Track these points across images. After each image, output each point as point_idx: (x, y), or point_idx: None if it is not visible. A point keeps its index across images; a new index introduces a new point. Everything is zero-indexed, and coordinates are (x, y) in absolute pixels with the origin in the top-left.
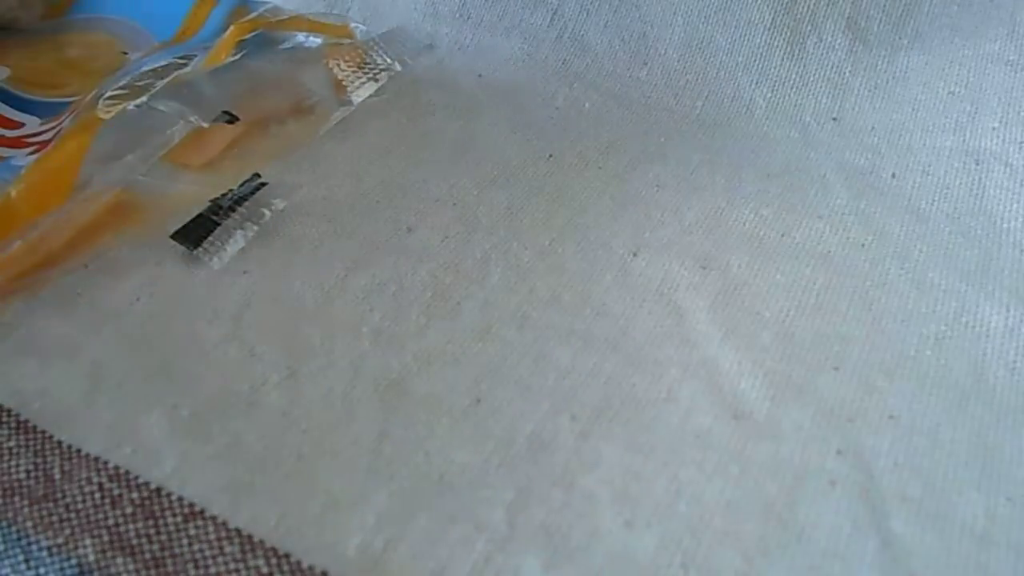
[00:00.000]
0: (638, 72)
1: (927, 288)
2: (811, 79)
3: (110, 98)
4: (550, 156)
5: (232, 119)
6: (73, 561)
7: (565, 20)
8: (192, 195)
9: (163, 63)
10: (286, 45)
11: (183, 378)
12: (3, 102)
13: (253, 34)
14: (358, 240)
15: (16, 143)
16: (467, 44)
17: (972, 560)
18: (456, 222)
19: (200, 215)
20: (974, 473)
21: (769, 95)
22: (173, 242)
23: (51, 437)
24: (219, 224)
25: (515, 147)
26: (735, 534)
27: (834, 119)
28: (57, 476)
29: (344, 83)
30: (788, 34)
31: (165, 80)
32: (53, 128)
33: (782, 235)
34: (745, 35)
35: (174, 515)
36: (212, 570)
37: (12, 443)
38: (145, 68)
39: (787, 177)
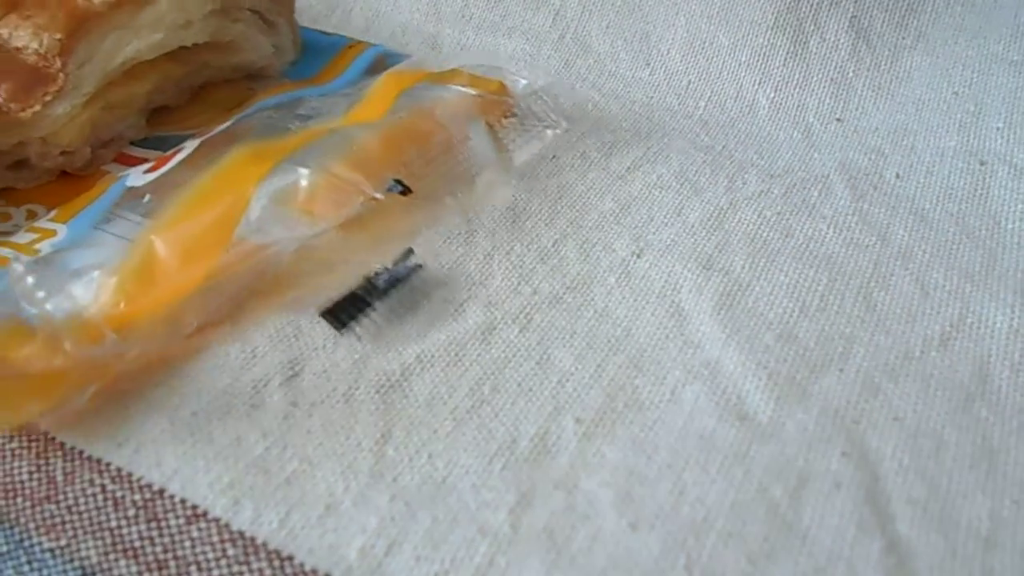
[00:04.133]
0: (640, 73)
1: (931, 289)
2: (814, 79)
3: (260, 142)
4: (553, 157)
5: (405, 190)
6: (75, 563)
7: (567, 21)
8: (339, 264)
9: (302, 99)
10: (434, 96)
11: (185, 379)
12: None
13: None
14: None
15: (132, 162)
16: (469, 45)
17: (977, 562)
18: (459, 223)
19: (353, 293)
20: (979, 475)
21: (772, 95)
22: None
23: (53, 439)
24: (371, 305)
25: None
26: (739, 536)
27: (837, 119)
28: (59, 478)
29: (505, 142)
30: (791, 34)
31: (310, 122)
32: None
33: (785, 236)
34: (748, 35)
35: (176, 517)
36: (214, 572)
37: (14, 445)
38: (281, 102)
39: (790, 178)
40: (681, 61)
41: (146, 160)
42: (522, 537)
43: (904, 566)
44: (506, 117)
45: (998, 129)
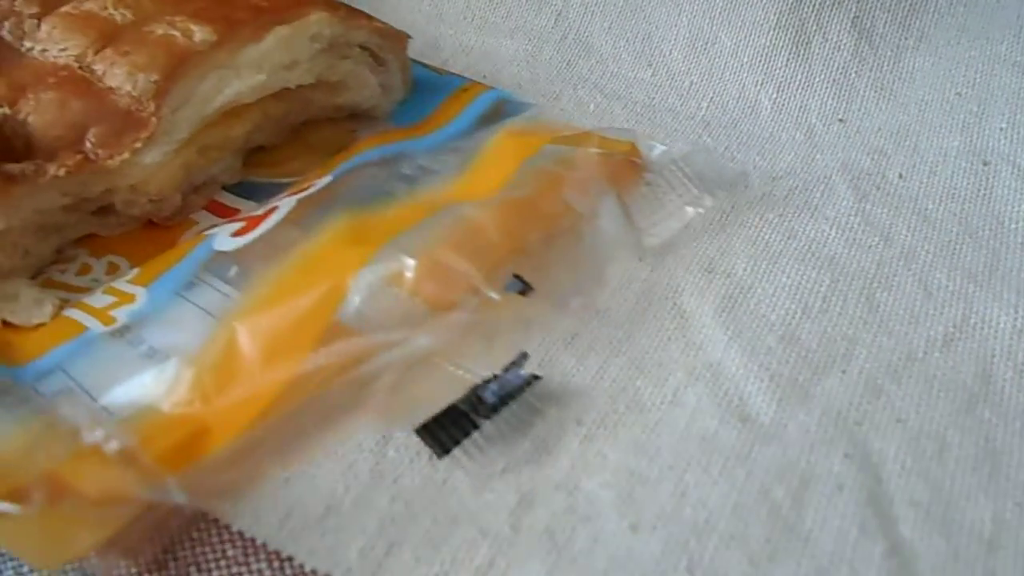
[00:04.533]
0: (642, 73)
1: (934, 289)
2: (816, 80)
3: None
4: None
5: (526, 289)
6: (75, 563)
7: (569, 21)
8: (439, 369)
9: (408, 154)
10: (561, 160)
11: None
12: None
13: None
14: None
15: (225, 214)
16: (471, 46)
17: (980, 565)
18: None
19: (455, 408)
20: (982, 478)
21: (774, 96)
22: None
23: None
24: (476, 425)
25: None
26: (741, 538)
27: (840, 120)
28: None
29: (637, 219)
30: (793, 34)
31: (416, 185)
32: (266, 206)
33: (788, 238)
34: (750, 35)
35: (176, 518)
36: (215, 574)
37: None
38: (384, 155)
39: (792, 179)
40: (683, 62)
41: (237, 212)
42: (523, 538)
43: (906, 568)
44: (641, 187)
45: (1001, 130)
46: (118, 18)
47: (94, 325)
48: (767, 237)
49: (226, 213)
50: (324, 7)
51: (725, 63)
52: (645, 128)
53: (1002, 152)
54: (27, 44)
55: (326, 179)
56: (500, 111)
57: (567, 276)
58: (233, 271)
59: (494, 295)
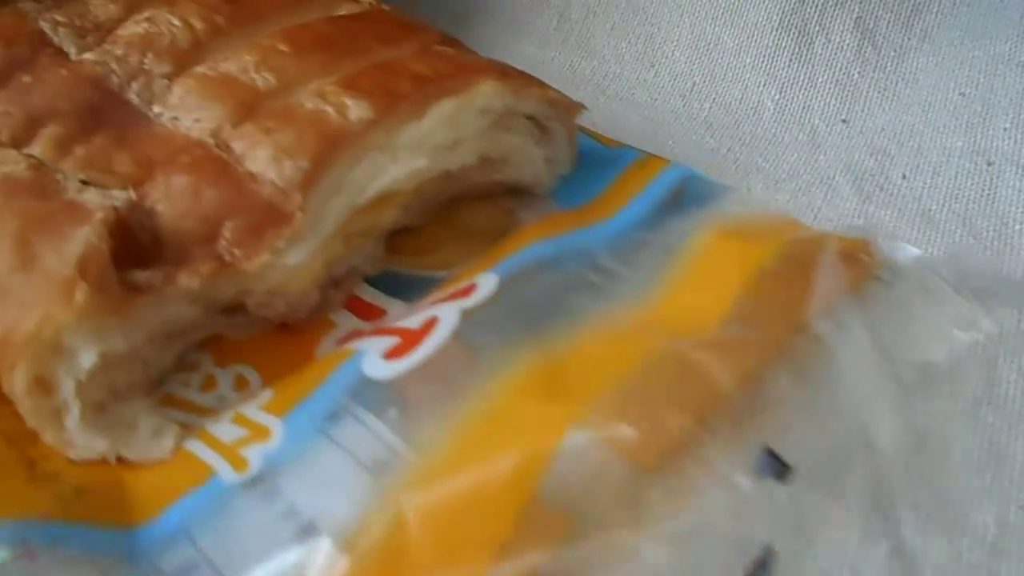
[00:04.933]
0: (645, 74)
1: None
2: (819, 80)
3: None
4: None
5: (782, 470)
6: None
7: (572, 23)
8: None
9: (587, 252)
10: (799, 260)
11: None
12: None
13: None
14: None
15: (368, 314)
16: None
17: (983, 569)
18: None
19: None
20: (985, 480)
21: (777, 97)
22: None
23: None
24: None
25: None
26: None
27: (843, 121)
28: None
29: (889, 344)
30: (796, 35)
31: (601, 299)
32: (421, 314)
33: None
34: (752, 36)
35: None
36: None
37: None
38: (559, 253)
39: (795, 180)
40: (686, 63)
41: (381, 313)
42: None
43: (909, 571)
44: (878, 299)
45: (1005, 130)
46: (260, 83)
47: (223, 469)
48: None
49: (369, 313)
50: (495, 75)
51: (728, 64)
52: (648, 129)
53: (1006, 152)
54: (156, 109)
55: (490, 279)
56: (682, 192)
57: (822, 439)
58: (392, 412)
59: (746, 484)
